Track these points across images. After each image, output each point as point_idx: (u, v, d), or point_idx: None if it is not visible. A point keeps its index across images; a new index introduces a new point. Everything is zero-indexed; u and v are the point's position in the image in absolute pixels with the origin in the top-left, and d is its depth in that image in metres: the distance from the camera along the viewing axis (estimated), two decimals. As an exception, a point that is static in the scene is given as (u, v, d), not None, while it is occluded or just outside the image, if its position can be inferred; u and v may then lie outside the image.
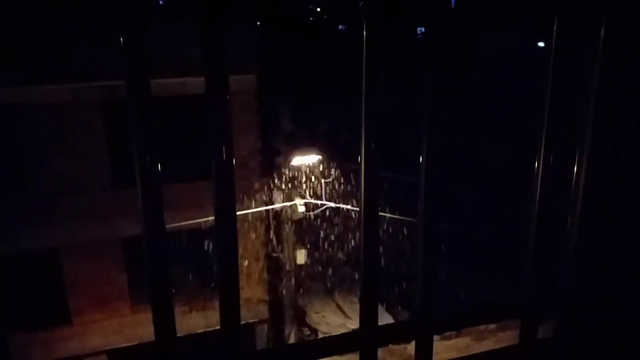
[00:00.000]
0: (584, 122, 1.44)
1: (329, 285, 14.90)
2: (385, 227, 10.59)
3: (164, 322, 1.38)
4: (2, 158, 10.00)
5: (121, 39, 1.14)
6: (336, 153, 10.88)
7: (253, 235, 11.51)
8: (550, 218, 1.50)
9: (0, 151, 9.96)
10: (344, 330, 13.82)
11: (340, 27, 22.00)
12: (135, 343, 10.95)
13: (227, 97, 1.23)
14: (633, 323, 1.71)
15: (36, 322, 10.78)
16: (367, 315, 1.44)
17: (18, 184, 10.20)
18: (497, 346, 1.74)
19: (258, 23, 10.43)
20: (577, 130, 1.43)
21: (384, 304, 14.53)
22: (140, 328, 10.95)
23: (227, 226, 1.28)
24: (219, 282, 1.33)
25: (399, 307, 14.46)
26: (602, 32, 1.43)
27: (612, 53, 1.42)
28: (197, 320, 11.04)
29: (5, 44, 9.17)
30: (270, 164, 11.16)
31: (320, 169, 10.56)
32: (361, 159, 1.30)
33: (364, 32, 1.26)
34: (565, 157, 1.47)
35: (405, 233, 10.74)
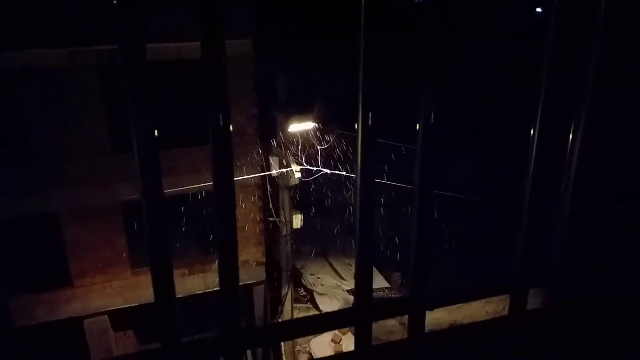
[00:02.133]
0: (581, 91, 1.44)
1: (324, 248, 15.14)
2: (381, 193, 10.67)
3: (163, 284, 1.41)
4: (1, 124, 9.92)
5: (115, 2, 1.12)
6: (333, 120, 10.83)
7: (250, 200, 11.59)
8: (544, 189, 1.51)
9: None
10: (338, 291, 14.15)
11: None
12: (136, 304, 11.19)
13: (224, 61, 1.22)
14: (621, 295, 1.76)
15: (39, 284, 10.95)
16: (362, 291, 1.48)
17: (17, 149, 10.15)
18: (485, 306, 1.80)
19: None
20: (574, 98, 1.44)
21: (377, 266, 14.83)
22: (140, 290, 11.17)
23: (225, 192, 1.30)
24: (218, 246, 1.36)
25: (393, 270, 14.75)
26: (602, 16, 1.41)
27: (614, 26, 1.41)
28: (195, 282, 11.25)
29: (1, 7, 8.95)
30: (267, 131, 11.12)
31: (317, 135, 10.54)
32: (358, 126, 1.31)
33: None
34: (561, 126, 1.48)
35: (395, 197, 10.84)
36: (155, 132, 1.28)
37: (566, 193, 1.56)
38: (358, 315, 1.49)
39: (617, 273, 1.75)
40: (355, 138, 1.33)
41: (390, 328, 8.60)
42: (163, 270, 1.35)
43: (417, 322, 1.57)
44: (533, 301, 1.72)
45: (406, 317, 1.57)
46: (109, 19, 1.20)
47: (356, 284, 1.48)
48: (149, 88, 1.25)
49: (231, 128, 1.24)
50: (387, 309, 1.59)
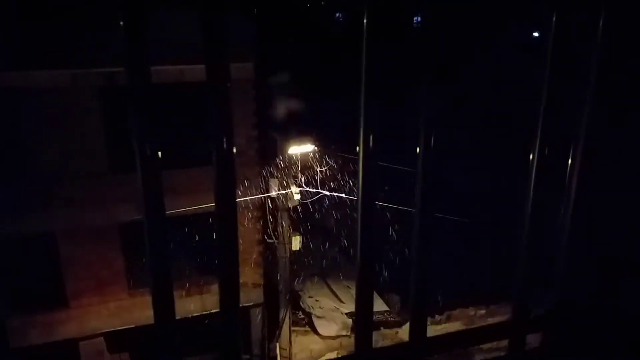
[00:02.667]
0: (579, 116, 1.45)
1: (323, 270, 15.03)
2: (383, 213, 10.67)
3: (163, 306, 1.40)
4: (1, 143, 9.96)
5: (122, 25, 1.14)
6: (332, 142, 10.90)
7: (249, 222, 11.56)
8: (544, 212, 1.52)
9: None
10: (337, 314, 13.98)
11: (338, 15, 21.76)
12: (132, 326, 11.04)
13: (229, 85, 1.23)
14: (621, 306, 1.75)
15: (34, 305, 10.83)
16: (363, 338, 1.47)
17: (16, 168, 10.16)
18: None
19: (255, 10, 10.33)
20: (573, 124, 1.45)
21: (376, 289, 14.69)
22: (137, 311, 11.04)
23: (227, 214, 1.30)
24: (219, 268, 1.35)
25: (392, 293, 14.61)
26: (601, 25, 1.44)
27: (611, 45, 1.43)
28: (193, 303, 11.13)
29: (4, 28, 9.08)
30: (266, 152, 11.18)
31: (316, 157, 10.59)
32: (359, 149, 1.32)
33: (365, 21, 1.26)
34: (560, 150, 1.49)
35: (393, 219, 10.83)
36: (159, 153, 1.29)
37: (566, 214, 1.56)
38: None
39: (618, 291, 1.74)
40: (356, 160, 1.34)
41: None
42: (164, 292, 1.34)
43: None
44: (532, 340, 1.71)
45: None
46: (111, 42, 1.21)
47: (356, 329, 1.48)
48: (153, 109, 1.27)
49: (234, 151, 1.25)
50: (387, 355, 1.59)
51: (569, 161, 1.49)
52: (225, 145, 1.24)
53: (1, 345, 1.29)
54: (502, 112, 17.96)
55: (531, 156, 1.45)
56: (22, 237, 10.22)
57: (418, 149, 1.34)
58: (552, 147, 1.43)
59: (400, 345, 1.54)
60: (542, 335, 1.73)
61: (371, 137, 1.28)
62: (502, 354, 1.71)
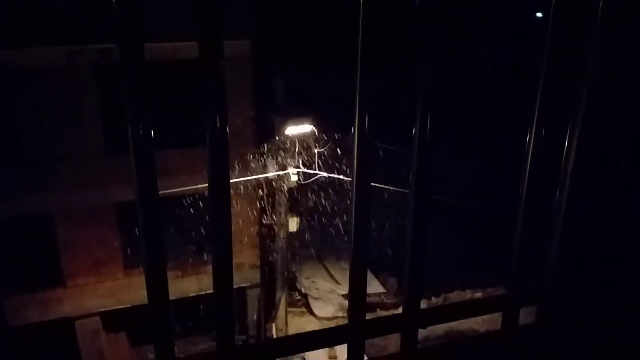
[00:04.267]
0: (576, 100, 1.44)
1: (319, 251, 15.12)
2: (379, 196, 10.68)
3: (157, 286, 1.40)
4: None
5: (114, 1, 1.12)
6: (330, 123, 10.83)
7: (246, 203, 11.56)
8: (539, 198, 1.52)
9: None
10: (333, 296, 14.12)
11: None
12: (128, 306, 11.12)
13: (222, 63, 1.21)
14: (613, 310, 1.77)
15: (31, 284, 10.90)
16: (356, 308, 1.48)
17: (13, 149, 10.10)
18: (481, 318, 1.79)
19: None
20: (569, 107, 1.44)
21: (373, 270, 14.81)
22: (132, 291, 11.10)
23: (220, 194, 1.29)
24: (212, 248, 1.35)
25: (388, 274, 14.73)
26: (599, 11, 1.42)
27: (609, 31, 1.41)
28: (189, 284, 11.20)
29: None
30: (264, 133, 11.10)
31: (314, 138, 10.53)
32: (354, 130, 1.31)
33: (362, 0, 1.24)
34: (556, 134, 1.48)
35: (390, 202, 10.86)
36: (152, 132, 1.27)
37: (560, 207, 1.56)
38: (351, 333, 1.50)
39: (611, 289, 1.76)
40: (352, 141, 1.33)
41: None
42: (158, 272, 1.34)
43: (410, 339, 1.58)
44: (526, 316, 1.72)
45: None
46: (106, 18, 1.19)
47: (350, 300, 1.49)
48: (146, 88, 1.25)
49: (228, 130, 1.23)
50: (380, 327, 1.60)
51: (565, 144, 1.49)
52: (218, 125, 1.22)
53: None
54: (501, 97, 17.91)
55: (527, 139, 1.45)
56: (20, 217, 10.23)
57: (414, 131, 1.33)
58: (549, 131, 1.43)
59: (393, 317, 1.56)
60: (536, 310, 1.74)
61: (366, 119, 1.27)
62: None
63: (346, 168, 10.30)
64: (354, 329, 1.48)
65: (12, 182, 10.05)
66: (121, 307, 11.26)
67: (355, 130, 1.30)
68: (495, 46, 20.34)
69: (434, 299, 14.31)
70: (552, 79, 1.40)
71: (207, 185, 1.30)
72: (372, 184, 1.35)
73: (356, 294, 1.48)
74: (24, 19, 9.29)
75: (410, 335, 1.56)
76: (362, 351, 1.52)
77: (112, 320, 11.60)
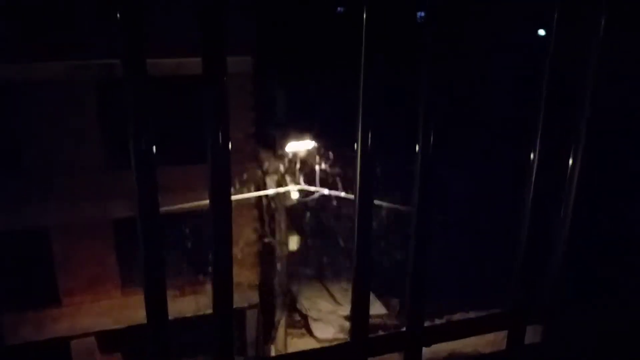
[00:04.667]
0: (580, 115, 1.43)
1: (320, 271, 15.00)
2: (382, 214, 10.64)
3: (156, 306, 1.37)
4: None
5: (118, 16, 1.11)
6: (331, 140, 10.84)
7: (245, 220, 11.51)
8: (543, 216, 1.50)
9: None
10: (334, 317, 13.95)
11: (339, 9, 21.62)
12: (124, 326, 10.98)
13: (225, 78, 1.20)
14: (622, 327, 1.73)
15: (26, 301, 10.80)
16: (358, 326, 1.46)
17: (10, 162, 10.11)
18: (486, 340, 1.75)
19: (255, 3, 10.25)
20: (573, 123, 1.43)
21: (375, 292, 14.68)
22: (129, 310, 10.98)
23: (222, 212, 1.27)
24: (213, 267, 1.32)
25: (390, 296, 14.59)
26: (603, 24, 1.42)
27: (613, 43, 1.41)
28: (187, 304, 11.08)
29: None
30: (264, 149, 11.12)
31: (315, 155, 10.53)
32: (357, 146, 1.29)
33: (365, 15, 1.23)
34: (561, 151, 1.47)
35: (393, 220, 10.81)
36: (154, 148, 1.25)
37: (565, 218, 1.54)
38: (353, 351, 1.47)
39: (618, 306, 1.73)
40: (354, 158, 1.32)
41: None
42: (157, 291, 1.30)
43: (413, 358, 1.55)
44: (532, 335, 1.69)
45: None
46: (107, 34, 1.18)
47: (352, 317, 1.46)
48: (149, 103, 1.23)
49: (230, 147, 1.22)
50: (383, 345, 1.57)
51: (570, 159, 1.48)
52: (220, 141, 1.20)
53: None
54: (503, 109, 17.95)
55: (532, 155, 1.44)
56: (15, 232, 10.17)
57: (417, 147, 1.31)
58: (553, 144, 1.42)
59: (397, 335, 1.52)
60: (542, 327, 1.71)
61: (369, 135, 1.26)
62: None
63: (344, 185, 10.28)
64: (356, 347, 1.45)
65: (9, 194, 10.03)
66: (117, 327, 11.12)
67: (357, 146, 1.29)
68: (500, 58, 20.41)
69: (437, 321, 14.16)
70: (555, 92, 1.39)
71: (207, 202, 1.28)
72: (375, 201, 1.34)
73: (358, 311, 1.44)
74: (26, 34, 9.39)
75: (414, 354, 1.53)
76: None
77: (108, 340, 11.45)
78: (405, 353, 1.54)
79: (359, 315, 1.45)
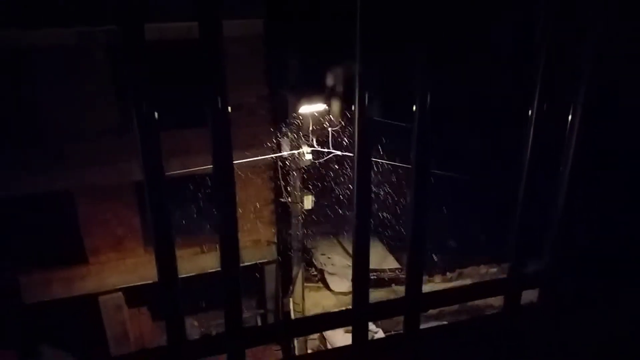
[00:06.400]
0: (583, 69, 1.40)
1: (335, 229, 15.21)
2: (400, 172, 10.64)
3: (166, 265, 1.44)
4: (14, 104, 10.03)
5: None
6: (343, 101, 10.71)
7: (262, 181, 11.63)
8: (541, 175, 1.50)
9: (11, 97, 9.96)
10: (348, 271, 14.23)
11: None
12: (149, 282, 11.39)
13: (222, 43, 1.20)
14: (616, 288, 1.75)
15: (55, 261, 11.18)
16: (359, 292, 1.51)
17: (31, 129, 10.27)
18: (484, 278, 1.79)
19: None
20: (573, 80, 1.40)
21: (389, 246, 14.88)
22: (153, 267, 11.23)
23: (224, 175, 1.30)
24: (219, 228, 1.37)
25: (403, 250, 14.76)
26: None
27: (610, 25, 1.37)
28: (208, 260, 11.40)
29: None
30: (278, 111, 11.08)
31: (327, 117, 10.48)
32: (354, 106, 1.30)
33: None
34: (560, 109, 1.45)
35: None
36: (156, 114, 1.27)
37: (561, 187, 1.54)
38: (355, 316, 1.54)
39: (612, 267, 1.74)
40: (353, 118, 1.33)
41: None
42: (166, 250, 1.37)
43: (412, 322, 1.62)
44: (528, 295, 1.73)
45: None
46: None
47: (353, 284, 1.51)
48: (150, 69, 1.24)
49: (229, 109, 1.23)
50: (383, 310, 1.65)
51: (569, 117, 1.46)
52: (219, 105, 1.22)
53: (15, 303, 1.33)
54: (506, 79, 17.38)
55: (529, 112, 1.42)
56: (41, 195, 10.44)
57: (414, 107, 1.31)
58: (551, 103, 1.40)
59: (396, 300, 1.59)
60: (538, 292, 1.75)
61: (366, 96, 1.27)
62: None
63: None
64: (357, 313, 1.53)
65: (32, 161, 10.25)
66: (142, 283, 11.54)
67: (355, 107, 1.29)
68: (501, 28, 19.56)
69: (448, 274, 14.34)
70: (555, 48, 1.36)
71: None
72: (385, 161, 1.35)
73: (359, 279, 1.50)
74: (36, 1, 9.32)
75: (412, 319, 1.60)
76: (366, 333, 1.58)
77: (135, 295, 11.91)
78: (405, 318, 1.61)
79: (359, 282, 1.51)
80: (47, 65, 9.81)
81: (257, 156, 10.66)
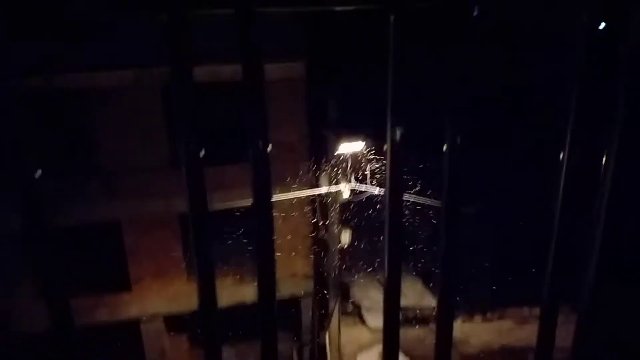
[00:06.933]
0: (615, 114, 1.39)
1: (373, 265, 15.02)
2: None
3: (206, 293, 1.49)
4: (71, 138, 10.67)
5: (165, 26, 1.22)
6: (382, 141, 10.70)
7: (300, 216, 11.73)
8: (573, 219, 1.46)
9: (69, 132, 10.62)
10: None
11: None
12: (190, 310, 11.53)
13: (263, 86, 1.29)
14: None
15: (101, 287, 11.56)
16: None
17: (85, 162, 10.85)
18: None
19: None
20: (607, 125, 1.38)
21: (427, 283, 14.47)
22: (194, 296, 11.43)
23: (263, 210, 1.36)
24: (256, 262, 1.42)
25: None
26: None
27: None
28: (247, 291, 11.46)
29: (71, 32, 9.64)
30: (317, 149, 11.27)
31: (366, 155, 10.57)
32: (387, 145, 1.34)
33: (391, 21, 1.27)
34: (594, 149, 1.43)
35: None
36: (202, 151, 1.35)
37: (599, 222, 1.49)
38: None
39: None
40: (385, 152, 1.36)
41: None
42: (207, 280, 1.43)
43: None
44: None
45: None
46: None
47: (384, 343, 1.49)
48: (197, 108, 1.33)
49: (270, 148, 1.31)
50: None
51: (604, 158, 1.43)
52: (260, 146, 1.30)
53: (66, 325, 1.42)
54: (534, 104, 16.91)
55: (562, 155, 1.41)
56: (90, 225, 10.90)
57: (445, 146, 1.34)
58: (585, 143, 1.38)
59: None
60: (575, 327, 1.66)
61: (398, 131, 1.31)
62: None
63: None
64: None
65: (84, 192, 10.79)
66: (183, 311, 11.71)
67: (387, 142, 1.33)
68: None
69: (488, 314, 13.78)
70: (589, 88, 1.35)
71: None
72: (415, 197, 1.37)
73: (389, 338, 1.49)
74: (93, 45, 10.00)
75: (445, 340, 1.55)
76: None
77: (175, 323, 12.08)
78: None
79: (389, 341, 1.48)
80: (105, 102, 10.41)
81: (297, 192, 10.80)
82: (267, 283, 1.42)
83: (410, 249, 10.62)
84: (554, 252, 1.47)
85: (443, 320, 1.51)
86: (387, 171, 1.35)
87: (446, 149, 1.33)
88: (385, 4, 1.26)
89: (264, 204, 1.35)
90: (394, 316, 1.49)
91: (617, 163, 1.38)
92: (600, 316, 1.54)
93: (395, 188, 1.37)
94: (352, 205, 11.04)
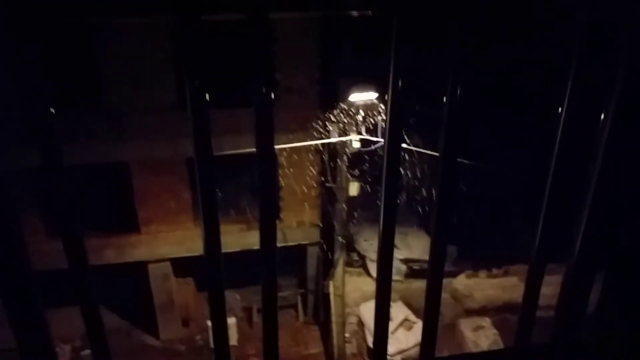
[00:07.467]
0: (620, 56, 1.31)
1: (379, 217, 15.09)
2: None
3: (211, 238, 1.50)
4: (79, 78, 10.56)
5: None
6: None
7: (309, 164, 11.73)
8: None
9: (76, 71, 10.49)
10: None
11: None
12: (196, 254, 11.84)
13: (268, 25, 1.24)
14: None
15: (109, 228, 11.78)
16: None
17: (93, 102, 10.79)
18: (544, 289, 1.73)
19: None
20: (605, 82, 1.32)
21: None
22: (200, 241, 11.73)
23: (265, 159, 1.35)
24: (259, 207, 1.42)
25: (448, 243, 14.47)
26: None
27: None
28: (253, 237, 11.68)
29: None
30: (329, 96, 11.07)
31: (378, 105, 10.36)
32: (388, 95, 1.31)
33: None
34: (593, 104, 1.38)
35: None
36: (206, 92, 1.32)
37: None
38: None
39: None
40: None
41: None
42: (212, 225, 1.44)
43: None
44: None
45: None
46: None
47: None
48: (201, 48, 1.29)
49: (272, 96, 1.28)
50: None
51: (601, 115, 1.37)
52: (264, 90, 1.27)
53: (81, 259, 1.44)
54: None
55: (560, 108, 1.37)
56: (99, 165, 10.98)
57: (444, 98, 1.31)
58: (584, 98, 1.34)
59: None
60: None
61: (399, 82, 1.28)
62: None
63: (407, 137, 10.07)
64: None
65: (93, 132, 10.80)
66: (190, 255, 12.01)
67: (389, 93, 1.30)
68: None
69: (494, 271, 13.96)
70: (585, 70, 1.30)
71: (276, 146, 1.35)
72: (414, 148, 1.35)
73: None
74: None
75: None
76: None
77: (182, 266, 12.41)
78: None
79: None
80: (115, 40, 10.22)
81: (306, 139, 10.74)
82: (268, 230, 1.43)
83: (418, 199, 10.62)
84: (546, 208, 1.46)
85: (433, 270, 1.52)
86: (387, 119, 1.33)
87: (446, 99, 1.30)
88: None
89: (266, 151, 1.33)
90: (387, 264, 1.50)
91: (614, 119, 1.33)
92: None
93: (394, 138, 1.34)
94: (362, 155, 10.97)
